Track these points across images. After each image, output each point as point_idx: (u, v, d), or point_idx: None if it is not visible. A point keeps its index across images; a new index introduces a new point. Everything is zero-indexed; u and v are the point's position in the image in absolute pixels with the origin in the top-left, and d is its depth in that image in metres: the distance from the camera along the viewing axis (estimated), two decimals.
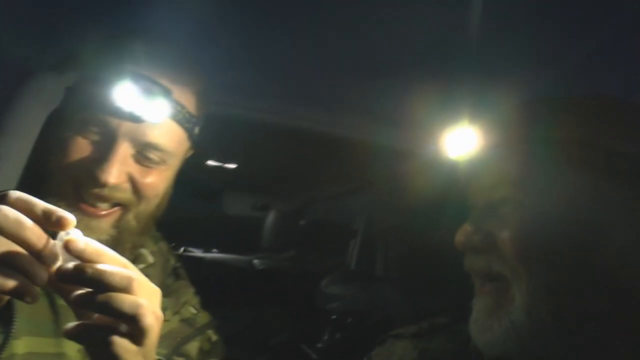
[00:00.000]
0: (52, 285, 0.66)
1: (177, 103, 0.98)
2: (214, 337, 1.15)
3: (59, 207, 0.90)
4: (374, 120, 2.10)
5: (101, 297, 0.65)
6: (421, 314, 2.76)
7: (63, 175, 0.95)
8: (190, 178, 1.12)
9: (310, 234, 3.58)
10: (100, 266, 0.66)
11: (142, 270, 1.02)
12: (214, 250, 3.68)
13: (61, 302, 0.69)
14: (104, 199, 0.96)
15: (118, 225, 0.99)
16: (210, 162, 3.18)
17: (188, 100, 1.01)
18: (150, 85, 0.93)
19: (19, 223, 0.63)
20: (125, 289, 0.66)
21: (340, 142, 2.27)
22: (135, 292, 0.66)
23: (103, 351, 0.66)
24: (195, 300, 1.17)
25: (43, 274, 0.64)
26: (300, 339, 2.74)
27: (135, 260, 1.06)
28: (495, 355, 0.74)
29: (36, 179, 0.97)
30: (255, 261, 3.44)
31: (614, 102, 0.79)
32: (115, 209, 0.98)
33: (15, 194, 0.66)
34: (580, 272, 0.69)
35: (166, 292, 1.06)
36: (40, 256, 0.64)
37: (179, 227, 1.21)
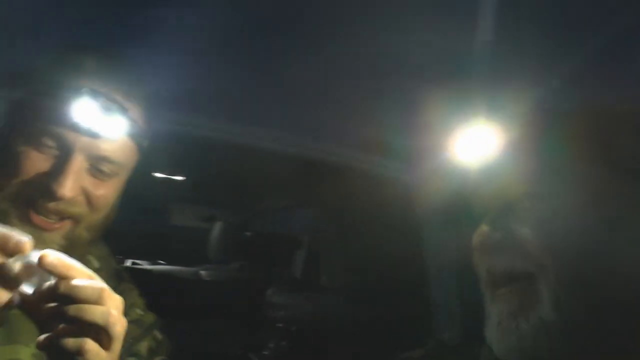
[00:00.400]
0: (16, 305, 0.69)
1: (131, 118, 1.00)
2: (160, 337, 1.17)
3: (9, 219, 0.94)
4: (318, 137, 2.17)
5: (73, 309, 0.69)
6: (364, 323, 2.84)
7: (15, 188, 0.95)
8: (137, 191, 1.13)
9: (256, 245, 3.62)
10: (73, 281, 0.69)
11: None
12: (161, 262, 3.68)
13: (13, 310, 0.73)
14: (57, 213, 0.96)
15: (69, 236, 0.99)
16: (158, 175, 3.19)
17: (138, 115, 1.04)
18: (108, 102, 0.95)
19: None
20: (96, 301, 0.70)
21: (285, 157, 2.33)
22: (105, 303, 0.71)
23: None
24: (140, 301, 1.18)
25: (3, 297, 0.66)
26: (247, 348, 2.77)
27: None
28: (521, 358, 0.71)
29: None
30: (202, 272, 3.45)
31: (627, 104, 0.78)
32: (67, 221, 0.98)
33: None
34: (607, 266, 0.68)
35: None
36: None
37: (126, 239, 1.22)
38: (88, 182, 0.98)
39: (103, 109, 0.95)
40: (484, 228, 0.78)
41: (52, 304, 0.70)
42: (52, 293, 0.69)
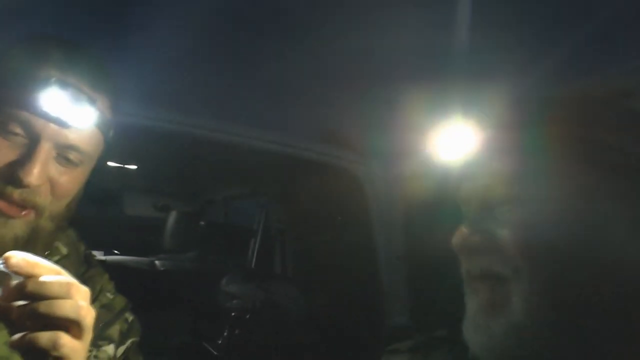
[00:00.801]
0: None
1: (98, 108, 1.00)
2: (130, 317, 1.18)
3: None
4: (268, 127, 2.19)
5: (44, 305, 0.70)
6: (317, 311, 2.89)
7: None
8: (91, 180, 1.12)
9: (211, 234, 3.63)
10: (40, 279, 0.71)
11: (58, 262, 0.98)
12: (115, 252, 3.65)
13: None
14: (23, 202, 0.97)
15: (33, 226, 1.00)
16: (111, 164, 3.16)
17: (106, 106, 1.04)
18: (77, 92, 0.96)
19: None
20: (65, 295, 0.71)
21: (238, 148, 2.35)
22: (73, 296, 0.72)
23: (49, 355, 0.71)
24: (110, 285, 1.19)
25: None
26: (201, 337, 2.80)
27: (50, 253, 1.09)
28: (493, 357, 0.72)
29: None
30: (157, 262, 3.44)
31: (605, 95, 0.76)
32: (30, 210, 0.98)
33: None
34: (583, 268, 0.67)
35: (82, 281, 1.08)
36: None
37: (79, 229, 1.23)
38: (54, 171, 0.98)
39: (71, 98, 0.96)
40: (464, 229, 0.77)
41: (22, 303, 0.71)
42: (21, 292, 0.70)
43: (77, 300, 0.73)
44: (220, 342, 2.60)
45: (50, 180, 0.98)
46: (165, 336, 2.72)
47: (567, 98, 0.77)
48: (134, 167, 3.39)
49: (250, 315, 2.61)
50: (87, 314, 0.74)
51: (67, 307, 0.71)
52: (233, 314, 2.63)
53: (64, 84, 0.95)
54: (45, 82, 0.94)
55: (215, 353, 2.62)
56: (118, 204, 4.34)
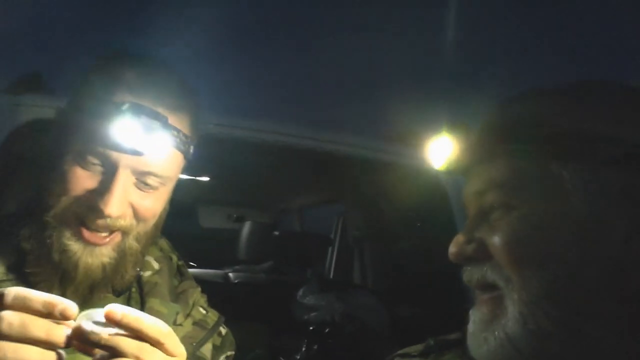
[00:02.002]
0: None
1: (175, 129, 0.99)
2: (224, 331, 1.18)
3: (61, 236, 0.97)
4: (348, 132, 2.13)
5: None
6: (399, 323, 2.77)
7: (63, 206, 0.97)
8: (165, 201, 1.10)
9: (286, 244, 3.57)
10: (114, 333, 0.68)
11: (150, 278, 1.12)
12: (190, 264, 3.66)
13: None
14: (106, 228, 0.97)
15: (119, 248, 1.01)
16: (183, 176, 3.15)
17: (183, 124, 1.03)
18: (151, 118, 0.95)
19: (24, 327, 0.65)
20: (137, 357, 0.68)
21: (314, 154, 2.29)
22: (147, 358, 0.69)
23: None
24: (203, 299, 1.19)
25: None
26: (278, 351, 2.72)
27: (141, 269, 1.10)
28: None
29: (35, 209, 0.99)
30: (231, 274, 3.41)
31: (596, 86, 0.76)
32: (116, 233, 0.99)
33: (12, 292, 0.67)
34: (580, 272, 0.67)
35: (174, 296, 1.13)
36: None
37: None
38: (135, 196, 0.99)
39: (146, 125, 0.94)
40: (459, 237, 0.77)
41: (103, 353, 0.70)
42: (94, 343, 0.68)
43: None
44: (298, 357, 2.51)
45: (132, 206, 0.99)
46: (241, 350, 2.67)
47: (555, 95, 0.75)
48: (206, 178, 3.40)
49: (329, 329, 2.52)
50: None
51: None
52: (311, 327, 2.54)
53: (138, 111, 0.94)
54: (118, 111, 0.94)
55: None
56: (193, 216, 4.37)
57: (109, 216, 0.95)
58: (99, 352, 0.70)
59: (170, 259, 1.20)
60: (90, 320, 0.69)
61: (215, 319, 1.17)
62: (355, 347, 2.51)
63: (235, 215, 4.21)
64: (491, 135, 0.77)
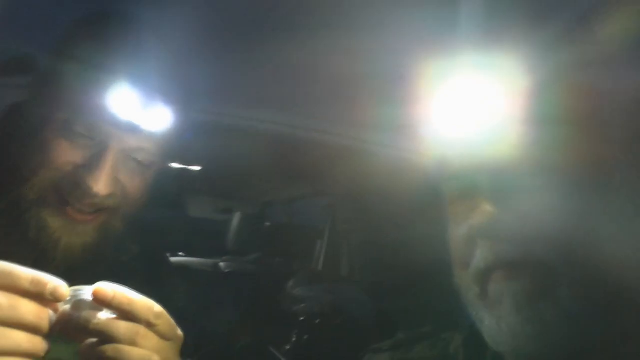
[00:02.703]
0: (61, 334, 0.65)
1: (169, 108, 0.95)
2: None
3: (42, 212, 0.90)
4: (336, 122, 2.12)
5: (109, 349, 0.64)
6: (386, 315, 2.78)
7: (44, 179, 0.90)
8: (153, 182, 1.08)
9: (275, 236, 3.58)
10: (105, 318, 0.65)
11: (129, 262, 1.06)
12: (180, 254, 3.66)
13: None
14: (93, 206, 0.92)
15: (103, 228, 0.96)
16: (174, 165, 3.15)
17: (177, 102, 0.98)
18: (147, 93, 0.90)
19: (15, 310, 0.59)
20: (132, 342, 0.65)
21: (303, 145, 2.29)
22: (142, 345, 0.66)
23: None
24: (183, 288, 1.17)
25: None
26: (267, 341, 2.73)
27: (121, 252, 1.06)
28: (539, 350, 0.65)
29: (9, 180, 0.92)
30: (221, 264, 3.41)
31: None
32: (102, 212, 0.95)
33: None
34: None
35: (154, 282, 1.09)
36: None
37: (144, 232, 1.20)
38: (124, 174, 0.94)
39: (140, 100, 0.90)
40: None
41: (92, 340, 0.66)
42: (85, 329, 0.65)
43: (147, 348, 0.66)
44: (288, 347, 2.52)
45: (121, 184, 0.93)
46: (230, 339, 2.69)
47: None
48: (197, 168, 3.39)
49: (319, 320, 2.53)
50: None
51: (134, 356, 0.65)
52: (302, 318, 2.55)
53: (134, 82, 0.89)
54: (111, 83, 0.88)
55: (283, 359, 2.55)
56: (182, 206, 4.36)
57: (96, 194, 0.89)
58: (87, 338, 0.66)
59: (149, 246, 1.17)
60: (75, 300, 0.64)
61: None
62: (343, 339, 2.52)
63: (223, 206, 4.20)
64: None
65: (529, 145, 0.67)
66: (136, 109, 0.89)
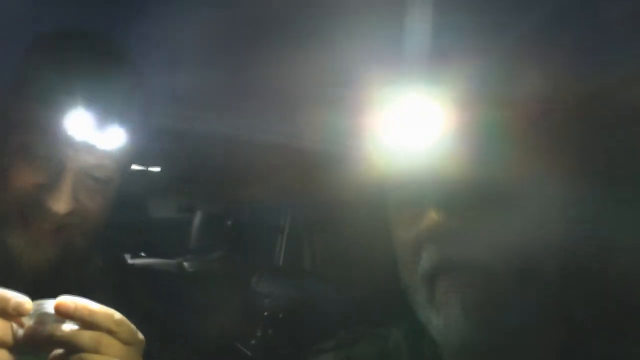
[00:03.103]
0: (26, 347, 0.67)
1: (127, 121, 0.96)
2: None
3: (4, 230, 0.92)
4: (291, 122, 2.16)
5: (75, 358, 0.67)
6: (350, 307, 2.85)
7: (9, 200, 0.92)
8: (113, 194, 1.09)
9: (236, 234, 3.60)
10: (68, 328, 0.67)
11: (94, 274, 1.06)
12: (142, 254, 3.64)
13: None
14: (54, 225, 0.94)
15: (66, 244, 0.98)
16: (134, 166, 3.13)
17: (137, 117, 1.00)
18: (104, 110, 0.91)
19: None
20: (95, 350, 0.67)
21: (260, 144, 2.32)
22: (105, 352, 0.68)
23: None
24: (146, 292, 1.19)
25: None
26: (234, 338, 2.77)
27: (85, 266, 1.06)
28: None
29: None
30: (185, 264, 3.42)
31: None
32: (63, 229, 0.97)
33: None
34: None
35: (117, 290, 1.10)
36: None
37: (105, 234, 1.21)
38: (83, 192, 0.95)
39: (98, 118, 0.91)
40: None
41: (59, 351, 0.68)
42: (50, 340, 0.67)
43: (110, 356, 0.69)
44: (254, 342, 2.56)
45: (80, 202, 0.94)
46: (197, 337, 2.71)
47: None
48: (157, 169, 3.37)
49: (283, 314, 2.57)
50: None
51: None
52: (266, 313, 2.59)
53: (90, 102, 0.89)
54: (68, 101, 0.88)
55: (249, 354, 2.59)
56: (142, 206, 4.32)
57: (57, 214, 0.91)
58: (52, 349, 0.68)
59: (113, 255, 1.19)
60: (39, 313, 0.67)
61: None
62: (308, 331, 2.57)
63: (184, 206, 4.17)
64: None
65: (472, 156, 0.70)
66: (92, 128, 0.90)
